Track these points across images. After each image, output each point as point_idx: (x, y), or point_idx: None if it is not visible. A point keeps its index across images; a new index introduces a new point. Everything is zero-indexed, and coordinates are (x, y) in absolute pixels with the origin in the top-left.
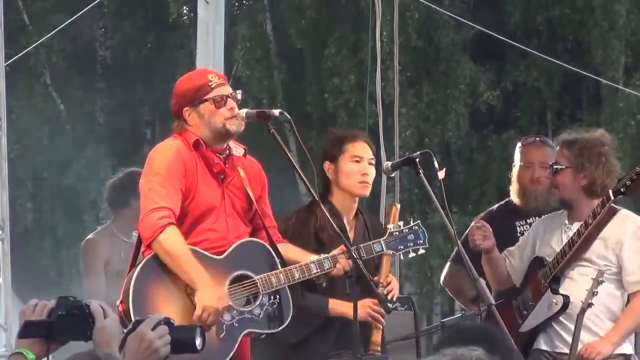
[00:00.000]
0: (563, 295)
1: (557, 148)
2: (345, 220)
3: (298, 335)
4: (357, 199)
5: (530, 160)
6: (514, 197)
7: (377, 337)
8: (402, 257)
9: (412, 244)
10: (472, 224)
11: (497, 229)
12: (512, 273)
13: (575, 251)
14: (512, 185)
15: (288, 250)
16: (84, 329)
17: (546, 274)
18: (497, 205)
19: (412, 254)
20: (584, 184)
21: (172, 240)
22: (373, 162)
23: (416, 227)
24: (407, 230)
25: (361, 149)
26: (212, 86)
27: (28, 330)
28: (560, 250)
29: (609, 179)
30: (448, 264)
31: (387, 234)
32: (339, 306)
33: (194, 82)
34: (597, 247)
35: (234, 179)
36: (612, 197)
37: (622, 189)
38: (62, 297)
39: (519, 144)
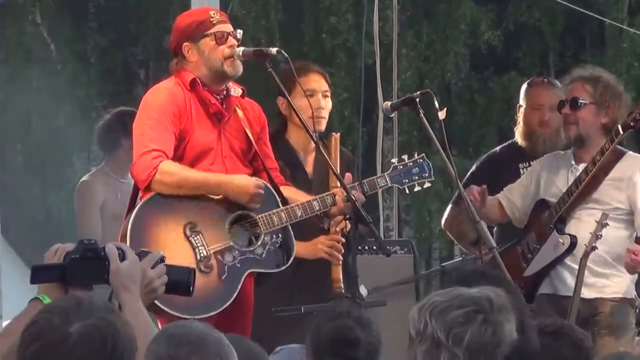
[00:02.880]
0: (570, 235)
1: (577, 84)
2: (301, 155)
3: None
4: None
5: (540, 102)
6: (519, 138)
7: (336, 273)
8: (407, 191)
9: (417, 177)
10: (474, 166)
11: (501, 171)
12: (513, 211)
13: (582, 191)
14: (517, 126)
15: (290, 192)
16: (100, 271)
17: (551, 215)
18: (500, 147)
19: (417, 188)
20: (604, 122)
21: (170, 171)
22: (328, 94)
23: (421, 160)
24: (411, 163)
25: (313, 81)
26: (214, 22)
27: (36, 275)
28: (567, 190)
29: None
30: (449, 206)
31: (390, 168)
32: (312, 245)
33: (195, 17)
34: (607, 188)
35: (230, 119)
36: (622, 132)
37: (632, 123)
38: (81, 241)
39: (525, 85)
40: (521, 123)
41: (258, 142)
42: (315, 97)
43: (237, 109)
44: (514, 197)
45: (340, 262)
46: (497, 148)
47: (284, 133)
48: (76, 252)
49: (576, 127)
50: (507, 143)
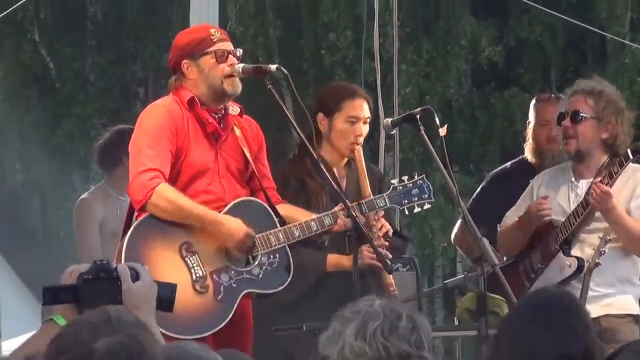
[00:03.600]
0: (577, 257)
1: (579, 97)
2: (335, 172)
3: (294, 294)
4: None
5: (547, 118)
6: (528, 155)
7: (387, 278)
8: (407, 212)
9: (416, 198)
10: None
11: (511, 186)
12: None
13: (589, 212)
14: (526, 143)
15: (288, 210)
16: (112, 292)
17: (557, 236)
18: (510, 162)
19: (417, 209)
20: (605, 137)
21: (167, 195)
22: (369, 120)
23: (420, 181)
24: (411, 184)
25: (359, 108)
26: (214, 40)
27: (47, 296)
28: (573, 212)
29: (626, 136)
30: (459, 221)
31: (390, 189)
32: (337, 259)
33: (195, 35)
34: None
35: (228, 138)
36: (631, 157)
37: None
38: (94, 261)
39: (533, 101)
40: (530, 139)
41: (255, 161)
42: (357, 125)
43: (235, 127)
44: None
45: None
46: (508, 164)
47: (319, 148)
48: (89, 273)
49: (576, 142)
50: (517, 159)
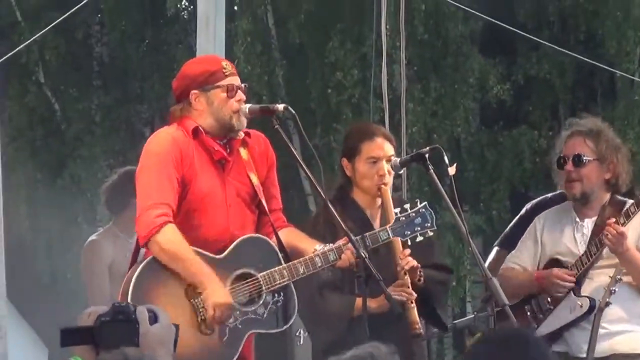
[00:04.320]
0: (589, 297)
1: (578, 138)
2: (368, 213)
3: (326, 341)
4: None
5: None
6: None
7: (413, 316)
8: (409, 242)
9: (419, 228)
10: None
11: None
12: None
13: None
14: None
15: (292, 236)
16: (130, 334)
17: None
18: (551, 194)
19: (419, 238)
20: (607, 178)
21: (169, 240)
22: (393, 158)
23: (423, 210)
24: (413, 214)
25: (378, 148)
26: (226, 74)
27: (65, 337)
28: (585, 252)
29: (626, 173)
30: (494, 249)
31: (393, 220)
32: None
33: (207, 66)
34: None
35: (235, 163)
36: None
37: None
38: (113, 303)
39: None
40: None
41: (265, 181)
42: (379, 164)
43: (242, 149)
44: (524, 263)
45: (414, 305)
46: (549, 195)
47: (350, 192)
48: (107, 315)
49: (580, 185)
50: (558, 192)
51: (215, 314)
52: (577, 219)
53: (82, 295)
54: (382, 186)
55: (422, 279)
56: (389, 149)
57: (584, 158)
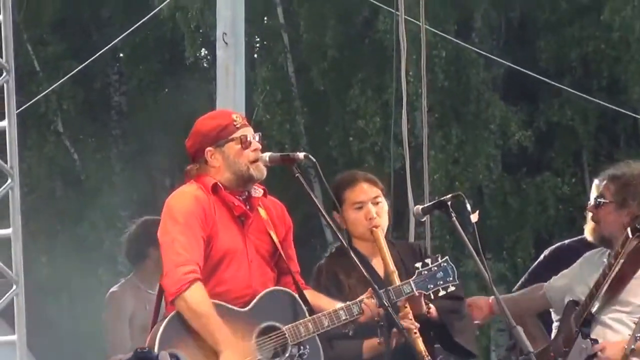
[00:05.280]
0: (591, 339)
1: (602, 182)
2: (373, 262)
3: None
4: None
5: None
6: (588, 235)
7: (419, 346)
8: (432, 296)
9: (442, 282)
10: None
11: (570, 260)
12: (554, 305)
13: (608, 291)
14: (587, 223)
15: (314, 297)
16: None
17: (579, 315)
18: (569, 240)
19: (442, 292)
20: (625, 221)
21: (196, 299)
22: (378, 199)
23: (444, 264)
24: (435, 267)
25: (360, 192)
26: (238, 126)
27: None
28: (595, 284)
29: None
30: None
31: (415, 274)
32: (373, 343)
33: (218, 121)
34: (634, 287)
35: (254, 220)
36: (630, 236)
37: (639, 226)
38: (135, 349)
39: (595, 181)
40: (590, 220)
41: (283, 243)
42: (365, 208)
43: (260, 209)
44: (556, 294)
45: (418, 334)
46: (566, 241)
47: (352, 243)
48: None
49: (599, 227)
50: (577, 238)
51: None
52: (605, 260)
53: (102, 346)
54: (374, 229)
55: (430, 311)
56: (372, 191)
57: (600, 200)
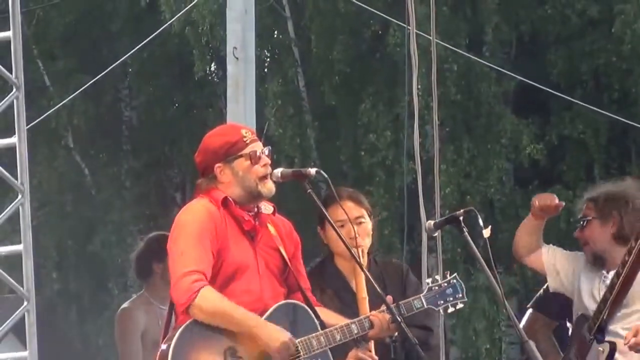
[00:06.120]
0: (609, 342)
1: (585, 204)
2: (353, 283)
3: None
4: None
5: None
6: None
7: None
8: (441, 312)
9: (451, 298)
10: None
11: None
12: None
13: (615, 299)
14: None
15: (324, 315)
16: None
17: (590, 327)
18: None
19: (450, 309)
20: (613, 232)
21: (211, 300)
22: (361, 219)
23: (454, 281)
24: (445, 284)
25: (340, 211)
26: (247, 142)
27: None
28: (602, 298)
29: (633, 224)
30: (528, 310)
31: (426, 290)
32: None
33: (227, 137)
34: (637, 289)
35: (264, 236)
36: (634, 244)
37: None
38: None
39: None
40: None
41: (292, 260)
42: (347, 227)
43: (269, 225)
44: (558, 263)
45: None
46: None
47: (332, 260)
48: None
49: (589, 247)
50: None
51: (288, 350)
52: (604, 271)
53: None
54: (357, 249)
55: (395, 337)
56: (355, 210)
57: (584, 219)
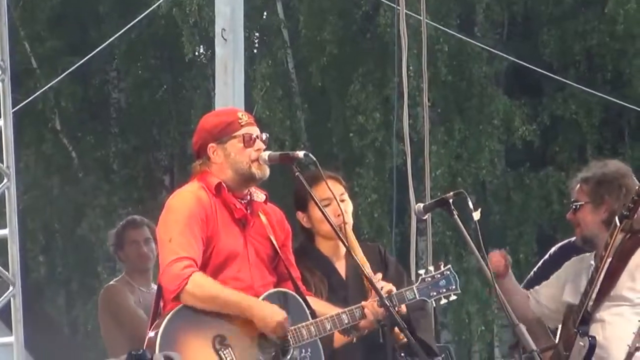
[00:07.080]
0: (589, 336)
1: (576, 185)
2: (336, 264)
3: None
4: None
5: None
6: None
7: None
8: (434, 304)
9: (444, 290)
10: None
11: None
12: (541, 314)
13: (601, 289)
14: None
15: (315, 304)
16: None
17: (575, 319)
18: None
19: (443, 300)
20: (604, 218)
21: (202, 285)
22: (344, 197)
23: (447, 272)
24: (438, 275)
25: (326, 189)
26: (242, 124)
27: None
28: (584, 290)
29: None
30: None
31: (419, 280)
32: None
33: (222, 118)
34: (625, 280)
35: (255, 225)
36: (618, 224)
37: (625, 212)
38: (129, 352)
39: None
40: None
41: (282, 249)
42: (332, 205)
43: (260, 214)
44: (541, 299)
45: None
46: (572, 239)
47: (313, 242)
48: None
49: (580, 229)
50: (567, 240)
51: (284, 327)
52: (592, 262)
53: (101, 345)
54: (344, 225)
55: (400, 308)
56: (338, 188)
57: (576, 203)
